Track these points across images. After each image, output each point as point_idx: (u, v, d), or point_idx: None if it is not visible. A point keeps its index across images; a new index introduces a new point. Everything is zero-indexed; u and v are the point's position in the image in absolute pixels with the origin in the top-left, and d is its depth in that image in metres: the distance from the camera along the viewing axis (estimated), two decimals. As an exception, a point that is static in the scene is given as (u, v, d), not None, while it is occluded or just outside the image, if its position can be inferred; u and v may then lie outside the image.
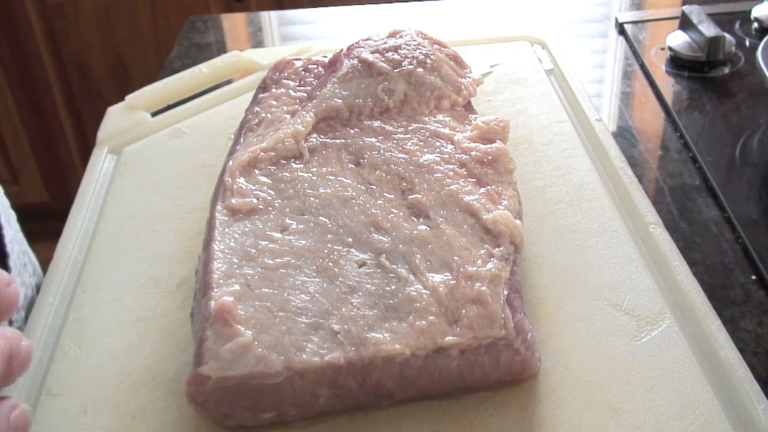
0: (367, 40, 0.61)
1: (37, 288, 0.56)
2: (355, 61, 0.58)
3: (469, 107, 0.58)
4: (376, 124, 0.54)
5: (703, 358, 0.43)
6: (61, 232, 0.57)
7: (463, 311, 0.41)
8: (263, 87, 0.60)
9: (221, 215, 0.47)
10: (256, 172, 0.50)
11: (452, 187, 0.49)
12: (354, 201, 0.48)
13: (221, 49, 0.93)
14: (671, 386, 0.42)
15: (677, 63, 0.82)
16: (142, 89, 0.72)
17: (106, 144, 0.66)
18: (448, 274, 0.43)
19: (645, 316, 0.46)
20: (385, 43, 0.60)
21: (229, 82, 0.76)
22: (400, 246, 0.45)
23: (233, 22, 1.03)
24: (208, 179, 0.59)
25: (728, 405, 0.41)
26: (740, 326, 0.51)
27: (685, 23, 0.83)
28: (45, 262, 0.57)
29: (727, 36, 0.80)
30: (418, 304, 0.41)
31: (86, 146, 1.77)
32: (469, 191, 0.48)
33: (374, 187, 0.49)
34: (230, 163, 0.51)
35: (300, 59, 0.62)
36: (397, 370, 0.40)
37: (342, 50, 0.61)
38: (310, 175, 0.50)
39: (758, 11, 0.88)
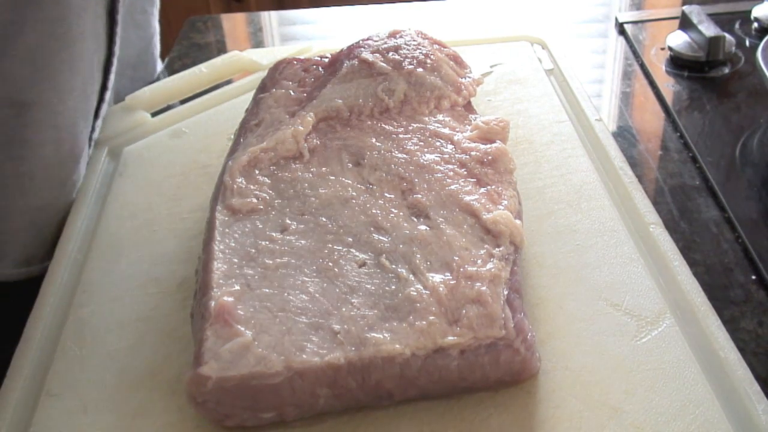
0: (367, 40, 0.61)
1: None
2: (355, 61, 0.58)
3: (469, 107, 0.58)
4: (377, 124, 0.54)
5: (703, 358, 0.43)
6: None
7: (463, 311, 0.41)
8: (263, 87, 0.60)
9: (221, 215, 0.47)
10: (256, 172, 0.50)
11: (452, 187, 0.49)
12: (354, 201, 0.48)
13: (221, 49, 0.93)
14: (671, 386, 0.42)
15: (677, 63, 0.82)
16: (142, 89, 0.72)
17: (106, 144, 0.66)
18: (448, 274, 0.43)
19: (645, 316, 0.46)
20: (385, 43, 0.60)
21: (229, 82, 0.76)
22: (400, 246, 0.45)
23: (233, 22, 1.03)
24: (208, 179, 0.59)
25: (728, 405, 0.41)
26: (740, 326, 0.51)
27: (685, 23, 0.83)
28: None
29: (727, 36, 0.80)
30: (418, 304, 0.41)
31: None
32: (469, 191, 0.48)
33: (374, 187, 0.49)
34: (230, 163, 0.51)
35: (300, 59, 0.62)
36: (397, 370, 0.40)
37: (342, 50, 0.61)
38: (310, 175, 0.50)
39: (758, 11, 0.88)
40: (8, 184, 0.56)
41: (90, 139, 0.64)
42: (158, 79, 0.83)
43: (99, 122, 0.66)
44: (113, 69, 0.65)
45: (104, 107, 0.66)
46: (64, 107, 0.58)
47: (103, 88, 0.65)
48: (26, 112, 0.55)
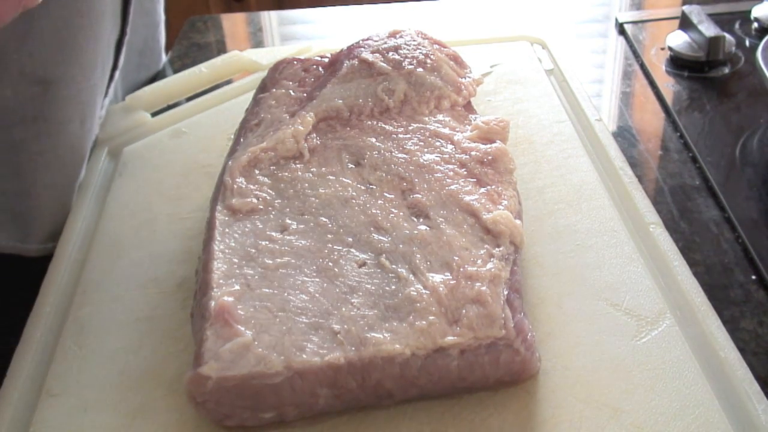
0: (367, 40, 0.61)
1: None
2: (355, 61, 0.58)
3: (469, 107, 0.58)
4: (377, 124, 0.54)
5: (703, 358, 0.43)
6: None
7: (463, 311, 0.41)
8: (263, 87, 0.60)
9: (221, 215, 0.47)
10: (256, 172, 0.50)
11: (452, 187, 0.49)
12: (354, 201, 0.48)
13: (221, 49, 0.93)
14: (671, 386, 0.42)
15: (677, 63, 0.82)
16: (142, 89, 0.72)
17: (106, 144, 0.66)
18: (448, 274, 0.43)
19: (645, 316, 0.46)
20: (385, 43, 0.60)
21: (229, 82, 0.76)
22: (400, 246, 0.45)
23: (233, 22, 1.03)
24: (208, 179, 0.59)
25: (728, 405, 0.41)
26: (740, 326, 0.51)
27: (685, 23, 0.83)
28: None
29: (727, 36, 0.80)
30: (418, 304, 0.41)
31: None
32: (469, 191, 0.48)
33: (374, 187, 0.49)
34: (230, 163, 0.51)
35: (300, 59, 0.62)
36: (397, 370, 0.40)
37: (342, 50, 0.61)
38: (310, 175, 0.50)
39: (758, 11, 0.88)
40: (35, 161, 0.57)
41: (108, 89, 0.66)
42: (163, 70, 0.83)
43: (106, 101, 0.67)
44: (124, 49, 0.67)
45: (112, 86, 0.67)
46: (88, 84, 0.59)
47: (114, 67, 0.66)
48: (52, 88, 0.56)
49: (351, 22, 0.98)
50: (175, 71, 0.77)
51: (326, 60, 0.61)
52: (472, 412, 0.41)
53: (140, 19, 0.75)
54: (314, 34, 0.97)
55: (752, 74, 0.79)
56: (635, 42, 0.87)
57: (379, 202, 0.48)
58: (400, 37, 0.61)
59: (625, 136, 0.72)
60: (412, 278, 0.43)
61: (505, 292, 0.42)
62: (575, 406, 0.41)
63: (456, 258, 0.44)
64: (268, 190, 0.49)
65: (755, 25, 0.87)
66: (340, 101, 0.55)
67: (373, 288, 0.43)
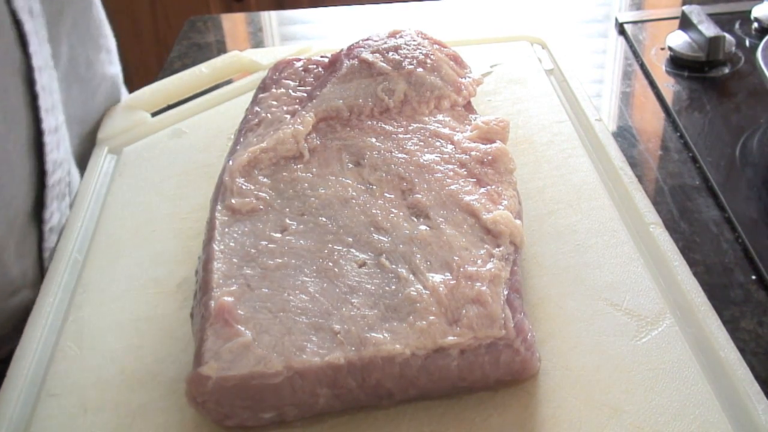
0: (367, 40, 0.61)
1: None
2: (355, 61, 0.58)
3: (469, 107, 0.58)
4: (377, 124, 0.54)
5: (703, 358, 0.43)
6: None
7: (463, 311, 0.41)
8: (263, 87, 0.60)
9: (221, 215, 0.47)
10: (256, 172, 0.50)
11: (452, 187, 0.49)
12: (354, 201, 0.48)
13: (221, 49, 0.93)
14: (671, 386, 0.42)
15: (677, 63, 0.82)
16: (142, 89, 0.72)
17: (106, 144, 0.66)
18: (448, 274, 0.43)
19: (645, 316, 0.46)
20: (385, 43, 0.60)
21: (229, 82, 0.76)
22: (400, 246, 0.45)
23: (233, 22, 1.03)
24: (208, 179, 0.59)
25: (728, 405, 0.41)
26: (740, 326, 0.51)
27: (685, 23, 0.83)
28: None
29: (727, 36, 0.80)
30: (418, 304, 0.41)
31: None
32: (469, 191, 0.48)
33: (374, 187, 0.49)
34: (230, 163, 0.51)
35: (300, 59, 0.62)
36: (397, 370, 0.40)
37: (342, 50, 0.61)
38: (310, 175, 0.50)
39: (758, 11, 0.88)
40: None
41: (42, 231, 0.55)
42: (164, 71, 0.83)
43: (52, 214, 0.56)
44: (50, 149, 0.55)
45: (60, 188, 0.57)
46: None
47: (42, 172, 0.55)
48: None
49: (351, 22, 0.98)
50: (175, 71, 0.76)
51: (326, 60, 0.61)
52: (472, 412, 0.41)
53: (76, 88, 0.64)
54: (314, 34, 0.97)
55: (752, 74, 0.79)
56: (635, 42, 0.87)
57: (379, 202, 0.48)
58: (400, 37, 0.61)
59: (625, 136, 0.72)
60: (412, 278, 0.43)
61: (505, 292, 0.42)
62: (575, 406, 0.41)
63: (456, 258, 0.44)
64: (268, 191, 0.49)
65: (755, 25, 0.87)
66: (340, 101, 0.55)
67: (373, 288, 0.43)
